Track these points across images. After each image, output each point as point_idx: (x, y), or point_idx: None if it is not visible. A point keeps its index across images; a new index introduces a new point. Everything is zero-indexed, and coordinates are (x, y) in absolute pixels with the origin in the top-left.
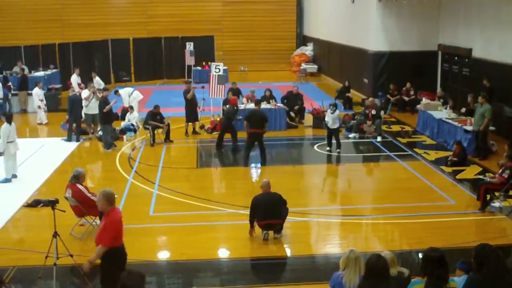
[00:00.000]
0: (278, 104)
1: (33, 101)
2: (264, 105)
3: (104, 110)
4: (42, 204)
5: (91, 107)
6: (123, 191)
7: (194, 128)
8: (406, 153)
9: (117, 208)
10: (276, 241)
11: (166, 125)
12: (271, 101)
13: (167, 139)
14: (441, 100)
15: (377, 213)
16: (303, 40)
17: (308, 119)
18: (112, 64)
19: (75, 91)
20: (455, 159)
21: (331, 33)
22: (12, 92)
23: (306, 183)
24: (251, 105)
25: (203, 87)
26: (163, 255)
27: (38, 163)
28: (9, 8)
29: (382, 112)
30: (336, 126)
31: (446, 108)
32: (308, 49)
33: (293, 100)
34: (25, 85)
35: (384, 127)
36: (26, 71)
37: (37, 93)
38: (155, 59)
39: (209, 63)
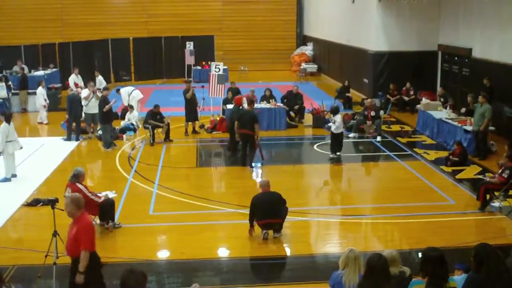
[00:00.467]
0: (278, 104)
1: (37, 100)
2: (264, 105)
3: (104, 110)
4: (42, 203)
5: (91, 107)
6: (123, 190)
7: (194, 128)
8: (406, 153)
9: (85, 212)
10: (276, 241)
11: (166, 125)
12: (271, 100)
13: (167, 138)
14: (442, 99)
15: (377, 213)
16: (303, 39)
17: (308, 118)
18: (112, 64)
19: (73, 91)
20: (456, 158)
21: (331, 33)
22: (13, 91)
23: (306, 183)
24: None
25: (203, 87)
26: (163, 254)
27: (38, 162)
28: (9, 8)
29: (381, 112)
30: (340, 130)
31: (446, 108)
32: (308, 49)
33: (293, 99)
34: (25, 84)
35: (384, 127)
36: (26, 70)
37: (41, 92)
38: (155, 58)
39: (209, 62)
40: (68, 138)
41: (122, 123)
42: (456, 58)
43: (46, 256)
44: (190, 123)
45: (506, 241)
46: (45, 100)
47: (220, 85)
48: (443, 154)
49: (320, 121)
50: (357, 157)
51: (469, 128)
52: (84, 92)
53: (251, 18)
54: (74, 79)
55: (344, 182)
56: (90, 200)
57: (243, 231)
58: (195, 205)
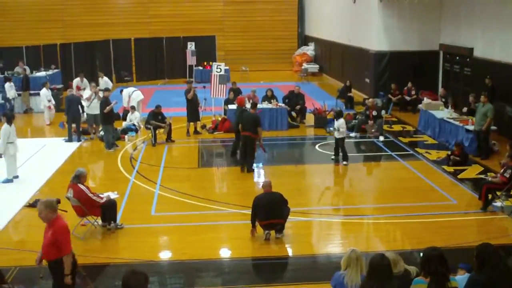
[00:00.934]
0: (280, 104)
1: (41, 101)
2: (265, 105)
3: (104, 111)
4: None
5: (93, 107)
6: (125, 191)
7: (195, 128)
8: (407, 152)
9: (59, 215)
10: (278, 241)
11: (168, 125)
12: (272, 101)
13: (169, 139)
14: (443, 100)
15: (379, 213)
16: (304, 40)
17: (310, 119)
18: (114, 64)
19: (72, 91)
20: (457, 158)
21: (332, 33)
22: (16, 92)
23: (308, 183)
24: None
25: (204, 87)
26: (165, 255)
27: (40, 163)
28: (11, 9)
29: (383, 112)
30: (341, 136)
31: (447, 108)
32: (310, 49)
33: (294, 100)
34: (28, 85)
35: (385, 127)
36: (28, 71)
37: (45, 93)
38: (156, 59)
39: (211, 63)
40: (69, 139)
41: (124, 124)
42: (457, 58)
43: None
44: (191, 123)
45: (508, 241)
46: (49, 101)
47: (222, 86)
48: (445, 153)
49: (321, 121)
50: (359, 157)
51: (470, 127)
52: (86, 93)
53: (253, 18)
54: (77, 82)
55: (346, 182)
56: (92, 201)
57: (245, 232)
58: (197, 206)
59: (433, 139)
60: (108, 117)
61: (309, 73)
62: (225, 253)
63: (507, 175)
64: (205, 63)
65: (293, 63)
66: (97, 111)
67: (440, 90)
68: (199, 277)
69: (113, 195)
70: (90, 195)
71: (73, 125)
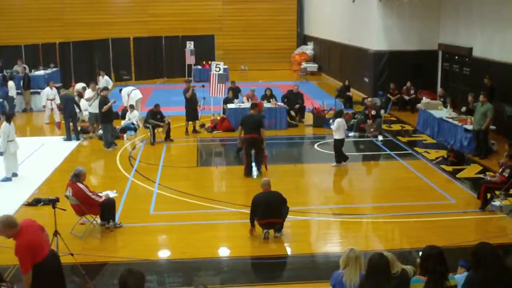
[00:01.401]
0: (279, 103)
1: (41, 100)
2: (264, 104)
3: (103, 110)
4: (42, 203)
5: (94, 106)
6: (124, 190)
7: (194, 127)
8: (406, 152)
9: (23, 226)
10: (277, 240)
11: (167, 124)
12: (271, 100)
13: (168, 138)
14: (442, 99)
15: (377, 212)
16: (303, 39)
17: (309, 118)
18: (113, 63)
19: (65, 91)
20: (454, 160)
21: (331, 32)
22: (16, 91)
23: (307, 182)
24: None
25: (203, 86)
26: (164, 254)
27: (39, 162)
28: (9, 7)
29: (382, 111)
30: (337, 136)
31: (446, 107)
32: (309, 48)
33: (293, 99)
34: (29, 84)
35: (384, 126)
36: (27, 70)
37: (47, 92)
38: (155, 58)
39: (210, 62)
40: (68, 138)
41: (123, 123)
42: (456, 57)
43: None
44: (190, 122)
45: (507, 240)
46: (53, 100)
47: (221, 85)
48: (444, 153)
49: (320, 120)
50: (358, 156)
51: (469, 127)
52: (87, 93)
53: (252, 18)
54: (80, 88)
55: (345, 181)
56: (91, 200)
57: (243, 231)
58: (195, 205)
59: (432, 138)
60: (107, 116)
61: (308, 72)
62: (224, 252)
63: (506, 175)
64: (204, 62)
65: (292, 63)
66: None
67: (439, 89)
68: (198, 276)
69: (112, 194)
70: (89, 194)
71: (71, 124)
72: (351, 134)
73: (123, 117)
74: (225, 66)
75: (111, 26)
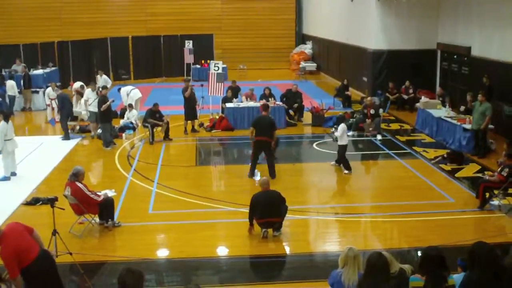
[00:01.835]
0: (277, 102)
1: (42, 99)
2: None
3: (101, 109)
4: (41, 202)
5: (94, 105)
6: (122, 189)
7: (193, 126)
8: (405, 151)
9: (5, 232)
10: (275, 239)
11: (165, 123)
12: (270, 99)
13: (166, 137)
14: (441, 99)
15: (376, 211)
16: (302, 38)
17: (307, 117)
18: (111, 62)
19: (59, 91)
20: (454, 162)
21: (330, 31)
22: (17, 90)
23: (305, 181)
24: (251, 103)
25: (202, 85)
26: (162, 253)
27: (37, 161)
28: (8, 6)
29: (381, 111)
30: (341, 142)
31: (445, 106)
32: (307, 48)
33: (292, 98)
34: (29, 83)
35: (383, 126)
36: (27, 69)
37: (48, 92)
38: (154, 57)
39: (208, 61)
40: (67, 137)
41: (122, 122)
42: (455, 57)
43: None
44: (189, 121)
45: (505, 239)
46: (53, 100)
47: (219, 84)
48: (442, 152)
49: (319, 119)
50: (357, 156)
51: (468, 126)
52: (87, 94)
53: (250, 17)
54: (77, 87)
55: (344, 181)
56: (90, 199)
57: (242, 230)
58: (194, 204)
59: (430, 137)
60: (106, 115)
61: (306, 71)
62: (222, 251)
63: (504, 174)
64: (203, 61)
65: (291, 62)
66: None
67: (438, 89)
68: (197, 275)
69: (110, 193)
70: (88, 193)
71: (72, 123)
72: (350, 133)
73: (122, 116)
74: (224, 65)
75: (109, 25)
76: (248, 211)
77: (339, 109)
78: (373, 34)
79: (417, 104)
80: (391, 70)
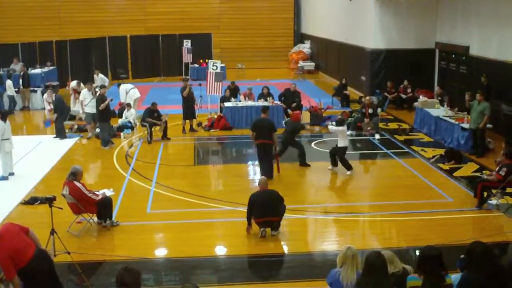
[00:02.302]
0: (276, 102)
1: (43, 100)
2: (261, 103)
3: (100, 108)
4: (39, 202)
5: (91, 106)
6: (121, 188)
7: (191, 126)
8: (403, 150)
9: (2, 235)
10: (274, 239)
11: (164, 123)
12: (268, 98)
13: (165, 136)
14: (439, 98)
15: (374, 210)
16: (300, 37)
17: (306, 116)
18: (110, 62)
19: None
20: (453, 162)
21: (328, 30)
22: (15, 89)
23: (303, 181)
24: (249, 103)
25: (200, 85)
26: (160, 252)
27: (35, 161)
28: (7, 6)
29: (379, 110)
30: (341, 144)
31: (443, 106)
32: (306, 47)
33: (290, 97)
34: (28, 82)
35: (381, 125)
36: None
37: (45, 98)
38: (152, 56)
39: (207, 60)
40: (63, 137)
41: (120, 121)
42: (453, 56)
43: None
44: (187, 121)
45: (503, 238)
46: (50, 103)
47: (218, 83)
48: (441, 151)
49: (317, 119)
50: (355, 155)
51: (466, 125)
52: (82, 95)
53: (249, 16)
54: (74, 85)
55: (342, 180)
56: (88, 198)
57: (240, 229)
58: (192, 203)
59: (429, 137)
60: (104, 114)
61: (305, 71)
62: (220, 250)
63: (503, 173)
64: (201, 61)
65: (289, 61)
66: (95, 110)
67: (436, 88)
68: (195, 274)
69: (108, 192)
70: (86, 192)
71: (70, 123)
72: (348, 132)
73: (120, 116)
74: (222, 65)
75: (108, 24)
76: (246, 210)
77: (338, 109)
78: (372, 33)
79: (416, 103)
80: (389, 69)
